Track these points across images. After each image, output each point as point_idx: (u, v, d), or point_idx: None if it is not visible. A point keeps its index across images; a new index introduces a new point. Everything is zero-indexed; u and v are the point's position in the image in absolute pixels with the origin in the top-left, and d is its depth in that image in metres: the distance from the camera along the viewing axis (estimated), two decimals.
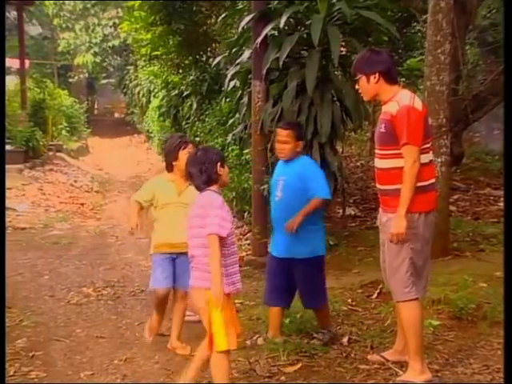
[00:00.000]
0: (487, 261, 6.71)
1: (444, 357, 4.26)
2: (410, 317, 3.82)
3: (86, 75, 33.01)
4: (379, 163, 3.95)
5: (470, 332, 4.69)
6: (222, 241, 3.50)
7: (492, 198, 10.34)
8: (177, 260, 4.58)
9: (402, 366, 4.01)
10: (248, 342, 4.63)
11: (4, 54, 13.73)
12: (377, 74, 3.88)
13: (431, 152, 3.97)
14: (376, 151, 4.00)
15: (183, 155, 4.38)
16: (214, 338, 3.51)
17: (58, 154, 19.07)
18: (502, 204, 9.87)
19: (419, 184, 3.79)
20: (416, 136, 3.74)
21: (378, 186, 4.03)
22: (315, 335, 4.67)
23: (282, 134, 4.68)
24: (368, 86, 3.94)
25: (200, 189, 3.65)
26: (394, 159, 3.82)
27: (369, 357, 4.30)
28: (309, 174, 4.62)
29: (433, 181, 3.94)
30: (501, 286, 5.49)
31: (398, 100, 3.82)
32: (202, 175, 3.61)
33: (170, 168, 4.60)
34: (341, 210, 8.57)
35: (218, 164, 3.64)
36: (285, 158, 4.71)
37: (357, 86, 4.05)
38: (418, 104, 3.83)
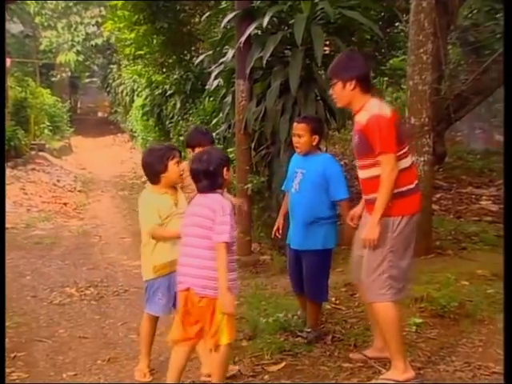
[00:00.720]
0: (469, 259, 6.77)
1: (426, 355, 4.29)
2: (386, 318, 3.83)
3: (69, 74, 32.82)
4: (361, 174, 3.99)
5: (452, 330, 4.72)
6: (228, 248, 3.51)
7: (474, 196, 10.44)
8: (173, 278, 3.99)
9: (385, 364, 4.03)
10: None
11: (4, 54, 13.63)
12: (353, 81, 3.86)
13: (410, 156, 3.97)
14: (357, 163, 4.04)
15: (173, 166, 4.08)
16: (222, 331, 3.52)
17: (41, 153, 18.94)
18: (483, 202, 9.97)
19: (403, 189, 3.82)
20: (389, 143, 3.73)
21: (364, 195, 4.05)
22: (299, 334, 4.68)
23: (297, 127, 4.69)
24: (343, 92, 3.91)
25: (204, 191, 3.62)
26: (373, 168, 3.84)
27: (351, 355, 4.32)
28: (332, 172, 4.62)
29: (415, 184, 3.95)
30: (483, 283, 5.58)
31: (368, 109, 3.82)
32: (210, 177, 3.59)
33: (156, 180, 4.14)
34: None
35: (225, 167, 3.66)
36: (300, 152, 4.72)
37: (331, 91, 4.05)
38: (387, 111, 3.82)
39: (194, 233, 3.58)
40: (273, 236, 5.02)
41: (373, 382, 3.89)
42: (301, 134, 4.64)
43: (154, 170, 4.11)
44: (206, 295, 3.52)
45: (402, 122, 3.81)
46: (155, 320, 4.22)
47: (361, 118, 3.85)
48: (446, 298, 5.05)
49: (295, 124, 4.77)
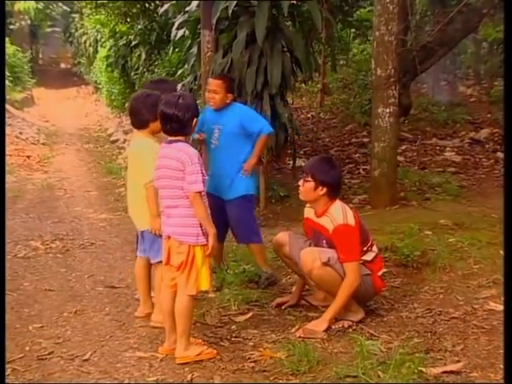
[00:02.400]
0: (432, 209, 6.90)
1: (390, 302, 4.39)
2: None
3: (28, 22, 31.78)
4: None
5: (414, 278, 4.84)
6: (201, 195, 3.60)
7: (438, 148, 10.58)
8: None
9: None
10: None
11: (4, 54, 13.16)
12: (325, 189, 4.05)
13: (375, 245, 4.22)
14: None
15: None
16: (202, 277, 3.59)
17: None
18: (447, 154, 10.12)
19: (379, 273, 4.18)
20: (354, 252, 3.97)
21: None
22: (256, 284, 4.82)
23: (213, 83, 4.88)
24: (312, 192, 4.09)
25: (171, 134, 3.61)
26: None
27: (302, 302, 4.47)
28: (246, 118, 4.88)
29: (381, 272, 4.25)
30: (445, 233, 5.70)
31: (332, 217, 4.02)
32: (180, 123, 3.57)
33: (144, 126, 4.10)
34: (291, 162, 8.62)
35: (196, 117, 3.65)
36: (213, 107, 4.88)
37: (300, 183, 4.17)
38: (351, 218, 4.01)
39: (168, 185, 3.60)
40: None
41: (335, 325, 3.99)
42: (216, 90, 4.84)
43: (144, 117, 4.09)
44: (186, 242, 3.57)
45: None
46: (149, 265, 4.27)
47: (326, 224, 4.07)
48: (410, 248, 5.16)
49: (211, 80, 4.99)
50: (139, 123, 4.16)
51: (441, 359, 3.43)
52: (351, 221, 4.01)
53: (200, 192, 3.54)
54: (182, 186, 3.55)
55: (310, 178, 4.10)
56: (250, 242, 4.98)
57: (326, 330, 3.89)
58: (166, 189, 3.64)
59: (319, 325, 3.91)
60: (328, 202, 4.09)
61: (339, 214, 4.01)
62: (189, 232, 3.57)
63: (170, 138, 3.64)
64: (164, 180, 3.64)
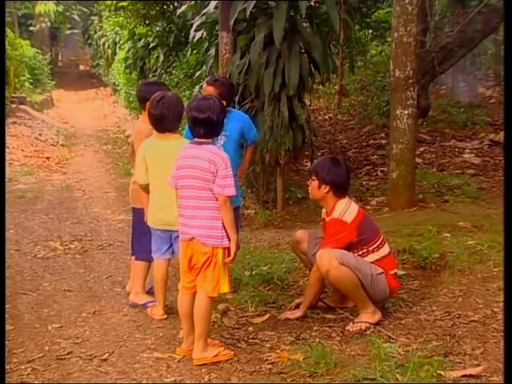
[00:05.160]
0: (451, 211, 6.85)
1: (408, 305, 4.36)
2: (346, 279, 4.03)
3: (49, 25, 32.02)
4: None
5: (433, 281, 4.80)
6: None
7: (457, 149, 10.50)
8: None
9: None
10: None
11: (4, 53, 13.28)
12: (328, 187, 4.09)
13: (386, 244, 4.22)
14: None
15: None
16: (223, 280, 3.63)
17: (22, 106, 18.62)
18: (466, 156, 10.04)
19: (391, 272, 4.15)
20: (333, 242, 4.03)
21: None
22: None
23: (206, 89, 4.81)
24: (317, 190, 4.16)
25: (203, 137, 3.61)
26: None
27: (319, 303, 4.43)
28: (246, 125, 4.92)
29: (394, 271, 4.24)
30: (464, 235, 5.65)
31: (334, 213, 4.11)
32: (212, 126, 3.61)
33: (177, 128, 4.20)
34: (309, 163, 8.60)
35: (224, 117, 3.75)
36: None
37: (308, 183, 4.24)
38: (348, 216, 4.06)
39: (194, 185, 3.59)
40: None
41: (349, 327, 4.00)
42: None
43: (177, 120, 4.12)
44: (210, 244, 3.58)
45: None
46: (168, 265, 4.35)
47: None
48: (428, 250, 5.13)
49: (205, 85, 4.90)
50: (174, 127, 4.13)
51: (460, 363, 3.40)
52: (347, 218, 4.05)
53: (230, 197, 3.56)
54: (208, 188, 3.54)
55: (314, 177, 4.15)
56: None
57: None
58: (191, 189, 3.61)
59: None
60: (335, 200, 4.12)
61: (338, 210, 4.07)
62: (214, 234, 3.58)
63: (198, 140, 3.63)
64: (189, 180, 3.61)
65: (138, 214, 4.50)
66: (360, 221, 4.09)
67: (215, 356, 3.61)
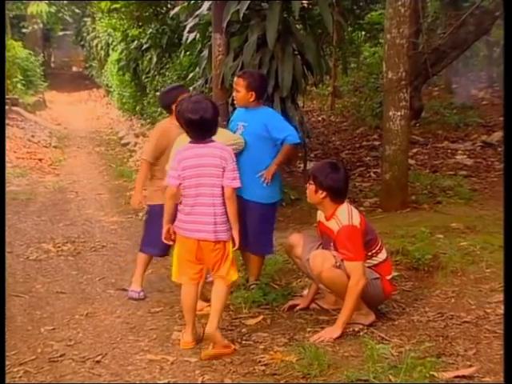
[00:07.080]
0: (444, 213, 6.87)
1: (401, 306, 4.37)
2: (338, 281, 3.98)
3: (41, 26, 31.90)
4: None
5: (426, 282, 4.81)
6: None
7: (449, 151, 10.52)
8: None
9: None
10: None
11: (4, 53, 13.23)
12: (325, 193, 4.05)
13: (384, 249, 4.20)
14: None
15: None
16: (233, 269, 3.82)
17: (14, 108, 18.53)
18: (459, 157, 10.06)
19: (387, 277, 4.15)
20: (358, 252, 3.93)
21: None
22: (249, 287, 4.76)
23: (235, 81, 4.83)
24: (314, 195, 4.12)
25: (207, 137, 3.74)
26: None
27: (313, 305, 4.45)
28: (272, 122, 4.70)
29: (390, 276, 4.22)
30: (457, 236, 5.66)
31: (337, 220, 4.02)
32: (210, 126, 3.74)
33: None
34: (302, 165, 8.61)
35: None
36: (237, 106, 4.88)
37: (307, 186, 4.20)
38: (356, 219, 4.01)
39: (204, 183, 3.69)
40: None
41: (346, 328, 3.98)
42: (238, 88, 4.74)
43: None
44: (222, 239, 3.74)
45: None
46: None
47: (333, 228, 4.04)
48: (421, 251, 5.14)
49: (235, 78, 4.89)
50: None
51: (453, 364, 3.40)
52: (356, 222, 4.01)
53: (235, 189, 3.74)
54: (219, 184, 3.69)
55: (311, 181, 4.13)
56: (260, 254, 4.85)
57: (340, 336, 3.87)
58: (202, 187, 3.69)
59: (333, 332, 3.88)
60: (333, 205, 4.08)
61: (344, 216, 4.01)
62: (225, 228, 3.74)
63: (198, 140, 3.74)
64: (200, 179, 3.69)
65: (154, 210, 4.60)
66: (364, 224, 4.08)
67: (225, 347, 3.72)
